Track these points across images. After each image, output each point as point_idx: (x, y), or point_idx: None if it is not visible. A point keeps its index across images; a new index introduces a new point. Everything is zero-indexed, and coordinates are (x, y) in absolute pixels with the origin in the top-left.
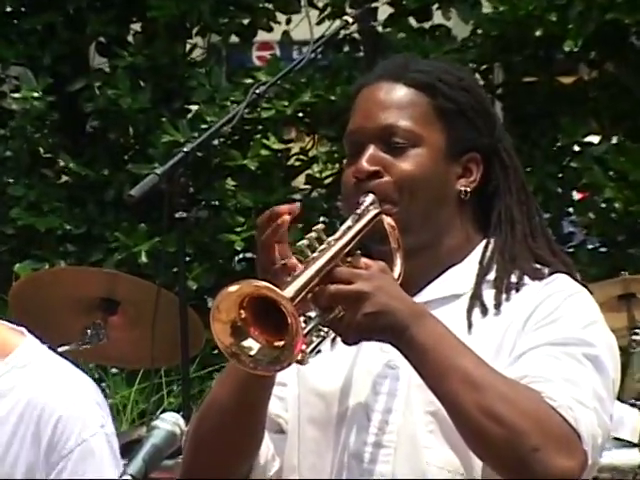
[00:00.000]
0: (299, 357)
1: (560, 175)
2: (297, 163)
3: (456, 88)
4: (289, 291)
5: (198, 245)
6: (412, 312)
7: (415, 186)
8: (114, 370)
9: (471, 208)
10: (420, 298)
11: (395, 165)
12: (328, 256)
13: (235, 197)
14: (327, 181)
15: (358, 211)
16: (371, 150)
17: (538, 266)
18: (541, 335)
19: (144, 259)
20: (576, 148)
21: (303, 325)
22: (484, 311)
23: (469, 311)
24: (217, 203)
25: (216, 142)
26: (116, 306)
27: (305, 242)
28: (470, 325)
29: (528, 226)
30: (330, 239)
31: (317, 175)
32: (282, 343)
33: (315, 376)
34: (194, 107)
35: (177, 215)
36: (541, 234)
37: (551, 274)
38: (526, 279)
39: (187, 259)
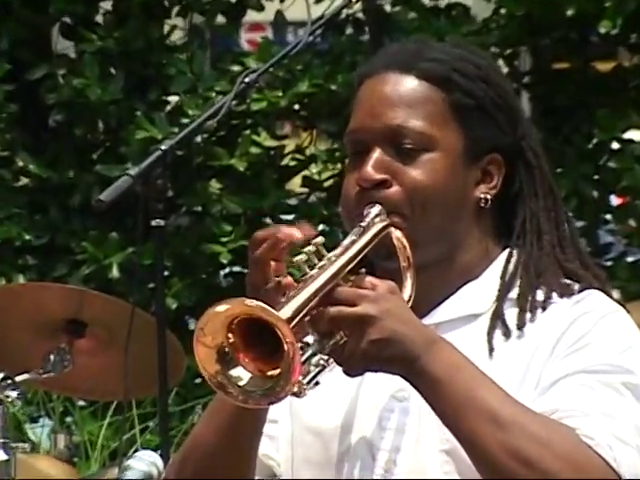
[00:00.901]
0: (295, 389)
1: (596, 177)
2: (292, 163)
3: (474, 79)
4: (285, 312)
5: (178, 257)
6: (424, 339)
7: (428, 198)
8: (81, 403)
9: (490, 216)
10: (433, 319)
11: (405, 173)
12: (329, 274)
13: (221, 202)
14: (327, 183)
15: (363, 223)
16: (377, 154)
17: (568, 281)
18: (573, 362)
19: (116, 274)
20: (615, 145)
21: (300, 352)
22: (507, 333)
23: (490, 333)
24: (200, 209)
25: (199, 139)
26: (83, 328)
27: (302, 257)
28: (491, 349)
29: (556, 235)
30: (331, 255)
31: (316, 177)
32: (277, 372)
33: (310, 410)
34: (173, 98)
35: (154, 223)
36: (570, 244)
37: (582, 290)
38: (554, 296)
39: (165, 273)
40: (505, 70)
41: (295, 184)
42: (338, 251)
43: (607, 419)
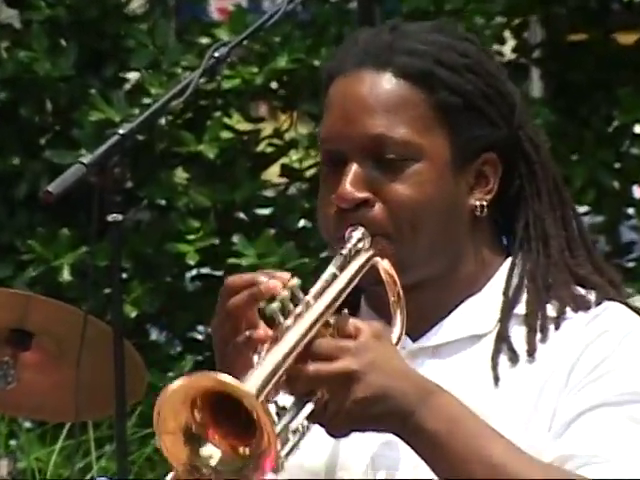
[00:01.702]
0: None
1: (617, 165)
2: (269, 149)
3: (460, 71)
4: (253, 384)
5: (138, 258)
6: (418, 391)
7: (417, 215)
8: (28, 424)
9: (488, 222)
10: (432, 340)
11: (390, 188)
12: (304, 326)
13: (187, 194)
14: (309, 173)
15: (344, 251)
16: (355, 168)
17: (582, 292)
18: (592, 393)
19: (67, 276)
20: (638, 129)
21: (275, 419)
22: (514, 358)
23: (494, 358)
24: (163, 202)
25: (162, 121)
26: (29, 339)
27: (276, 305)
28: (496, 377)
29: (564, 237)
30: (309, 297)
31: (296, 165)
32: (248, 450)
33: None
34: (133, 75)
35: (110, 218)
36: (581, 246)
37: (599, 303)
38: (567, 311)
39: (124, 276)
40: (513, 43)
41: (272, 173)
42: (316, 289)
43: (632, 464)
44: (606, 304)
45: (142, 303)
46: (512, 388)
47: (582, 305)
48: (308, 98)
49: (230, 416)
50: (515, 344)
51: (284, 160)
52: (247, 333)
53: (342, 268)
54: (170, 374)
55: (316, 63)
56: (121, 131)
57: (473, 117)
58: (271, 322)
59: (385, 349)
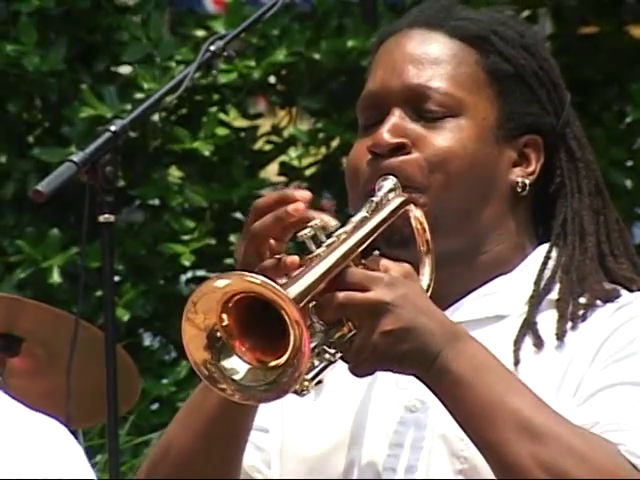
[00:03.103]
0: (297, 385)
1: (629, 163)
2: (267, 146)
3: (516, 46)
4: (292, 291)
5: (131, 259)
6: (446, 332)
7: (453, 169)
8: None
9: (526, 209)
10: (453, 316)
11: (427, 139)
12: (338, 254)
13: (182, 193)
14: (309, 171)
15: (374, 198)
16: (396, 117)
17: (613, 286)
18: (617, 371)
19: (57, 279)
20: None
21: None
22: (538, 343)
23: (517, 342)
24: (157, 201)
25: (156, 118)
26: (18, 344)
27: (308, 232)
28: (517, 361)
29: (607, 243)
30: (340, 232)
31: (295, 163)
32: (281, 361)
33: (308, 421)
34: (125, 69)
35: (102, 218)
36: (624, 253)
37: (631, 292)
38: (597, 303)
39: (116, 279)
40: None
41: (270, 172)
42: (348, 228)
43: None
44: (636, 294)
45: (135, 307)
46: (533, 373)
47: (612, 296)
48: (308, 93)
49: (258, 330)
50: (543, 329)
51: (283, 158)
52: (276, 257)
53: (373, 212)
54: (164, 381)
55: (316, 57)
56: (113, 128)
57: (523, 92)
58: (298, 253)
59: (416, 288)
